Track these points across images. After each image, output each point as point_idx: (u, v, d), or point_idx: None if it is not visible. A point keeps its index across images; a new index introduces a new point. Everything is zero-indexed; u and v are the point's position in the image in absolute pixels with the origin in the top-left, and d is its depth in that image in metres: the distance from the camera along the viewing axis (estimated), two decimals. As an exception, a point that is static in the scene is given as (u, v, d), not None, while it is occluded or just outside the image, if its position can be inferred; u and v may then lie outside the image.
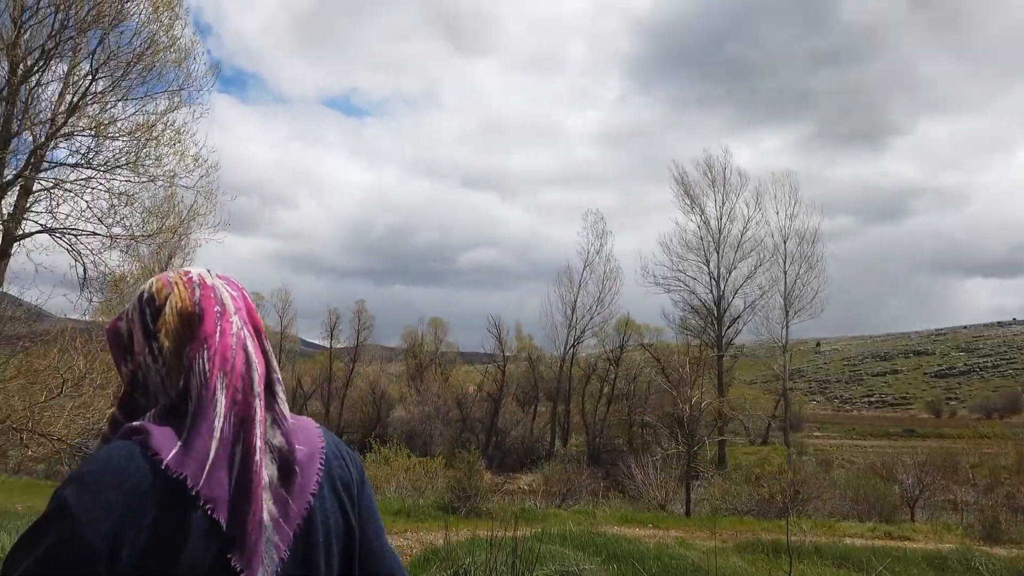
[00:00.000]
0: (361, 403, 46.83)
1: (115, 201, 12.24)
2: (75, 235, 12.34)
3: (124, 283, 12.97)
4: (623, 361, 44.82)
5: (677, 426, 23.64)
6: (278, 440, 1.11)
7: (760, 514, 19.01)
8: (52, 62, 11.13)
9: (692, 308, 42.24)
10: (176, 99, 11.88)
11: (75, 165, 11.63)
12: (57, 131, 11.48)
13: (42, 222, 12.26)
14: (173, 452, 1.02)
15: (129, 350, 1.15)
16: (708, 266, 41.81)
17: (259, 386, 1.11)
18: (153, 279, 1.18)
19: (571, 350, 44.74)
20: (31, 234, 12.11)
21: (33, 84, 11.32)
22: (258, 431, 1.08)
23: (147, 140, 11.49)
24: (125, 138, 11.66)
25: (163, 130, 11.56)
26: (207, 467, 1.02)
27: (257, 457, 1.06)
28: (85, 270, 12.31)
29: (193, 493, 1.00)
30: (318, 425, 1.23)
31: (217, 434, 1.05)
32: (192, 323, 1.12)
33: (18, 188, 11.74)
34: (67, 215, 12.26)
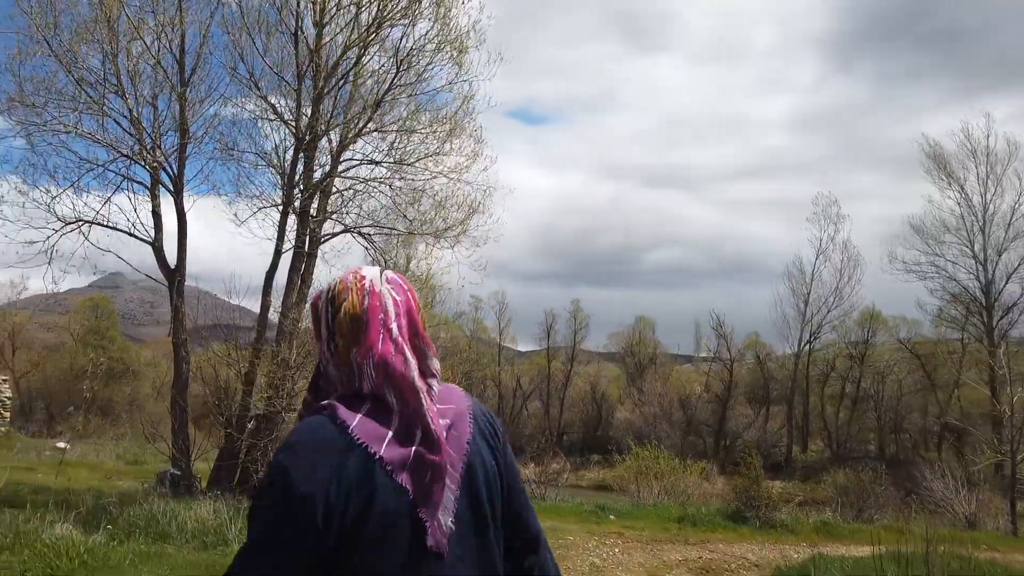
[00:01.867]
0: (580, 404, 46.31)
1: (407, 198, 12.15)
2: (372, 233, 12.41)
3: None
4: (868, 358, 40.46)
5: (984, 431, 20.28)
6: (443, 420, 1.36)
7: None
8: (359, 62, 11.16)
9: (953, 296, 37.06)
10: (466, 90, 11.55)
11: (377, 162, 11.65)
12: (360, 131, 11.53)
13: (342, 221, 12.46)
14: (355, 423, 1.29)
15: (317, 332, 1.43)
16: (972, 248, 36.43)
17: (419, 382, 1.35)
18: (337, 280, 1.45)
19: (806, 347, 41.13)
20: (336, 234, 12.33)
21: (339, 86, 11.45)
22: (429, 415, 1.33)
23: (448, 133, 11.24)
24: (422, 132, 11.49)
25: (460, 122, 11.28)
26: (386, 440, 1.29)
27: (437, 434, 1.32)
28: (384, 267, 12.31)
29: (377, 457, 1.27)
30: (462, 390, 1.49)
31: (394, 422, 1.31)
32: (359, 327, 1.36)
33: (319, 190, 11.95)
34: (367, 214, 12.36)
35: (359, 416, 1.29)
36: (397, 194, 11.82)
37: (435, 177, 12.12)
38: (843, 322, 40.91)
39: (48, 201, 10.90)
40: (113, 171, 11.33)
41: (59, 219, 11.21)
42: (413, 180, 12.12)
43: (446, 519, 1.30)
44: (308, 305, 1.84)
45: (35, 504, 10.25)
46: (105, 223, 11.31)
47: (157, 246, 11.13)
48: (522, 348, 54.82)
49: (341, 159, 11.74)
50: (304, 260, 11.82)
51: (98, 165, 11.23)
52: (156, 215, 11.30)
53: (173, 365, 11.18)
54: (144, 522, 8.20)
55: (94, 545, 6.70)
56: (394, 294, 1.40)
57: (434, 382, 1.40)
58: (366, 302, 1.37)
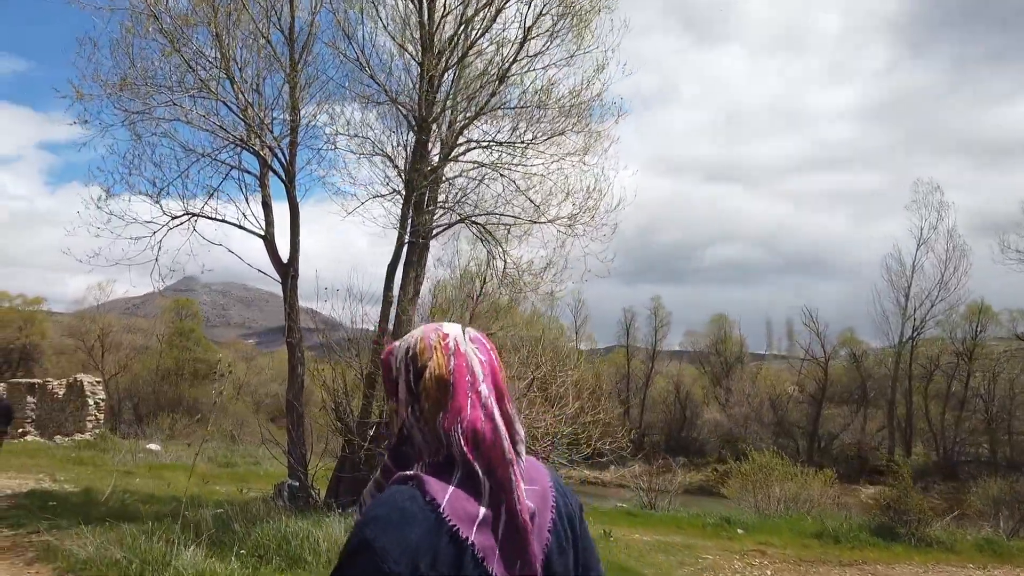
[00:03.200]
0: (662, 403, 44.70)
1: (526, 184, 11.09)
2: (486, 223, 11.40)
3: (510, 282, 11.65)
4: (977, 355, 37.67)
5: None
6: (530, 490, 1.28)
7: None
8: (477, 31, 10.15)
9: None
10: (599, 59, 10.36)
11: (499, 143, 10.61)
12: (480, 110, 10.52)
13: (455, 211, 11.49)
14: (445, 500, 1.20)
15: (393, 392, 1.33)
16: (1098, 235, 33.42)
17: (510, 453, 1.26)
18: (417, 338, 1.34)
19: (908, 343, 38.57)
20: (451, 224, 11.37)
21: (460, 61, 10.46)
22: (516, 494, 1.24)
23: (579, 107, 10.13)
24: (550, 108, 10.40)
25: (596, 94, 10.14)
26: (476, 523, 1.20)
27: (523, 517, 1.23)
28: (506, 262, 11.31)
29: (468, 542, 1.18)
30: (544, 465, 1.39)
31: (484, 498, 1.22)
32: (446, 391, 1.27)
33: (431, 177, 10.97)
34: (474, 203, 11.39)
35: (450, 491, 1.22)
36: (517, 179, 10.78)
37: (558, 160, 11.02)
38: (948, 317, 38.28)
39: (155, 193, 10.25)
40: (221, 161, 10.62)
41: (165, 213, 10.58)
42: (531, 165, 11.06)
43: None
44: (381, 360, 1.40)
45: (148, 517, 9.60)
46: (213, 216, 10.60)
47: (269, 239, 10.36)
48: (586, 346, 53.27)
49: (457, 143, 10.76)
50: (418, 252, 10.90)
51: (204, 156, 10.53)
52: (266, 206, 10.54)
53: (288, 368, 10.40)
54: (276, 544, 7.34)
55: (237, 578, 5.83)
56: (479, 354, 1.33)
57: (522, 449, 1.32)
58: (452, 363, 1.29)
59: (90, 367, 37.00)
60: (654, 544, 12.60)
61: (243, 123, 10.17)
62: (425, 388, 1.27)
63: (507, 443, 1.25)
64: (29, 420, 27.06)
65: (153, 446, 25.52)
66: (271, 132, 10.06)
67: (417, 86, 10.00)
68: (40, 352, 44.64)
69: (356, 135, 10.88)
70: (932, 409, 38.89)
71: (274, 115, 10.40)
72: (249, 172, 10.69)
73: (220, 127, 9.67)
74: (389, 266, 10.24)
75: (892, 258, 39.37)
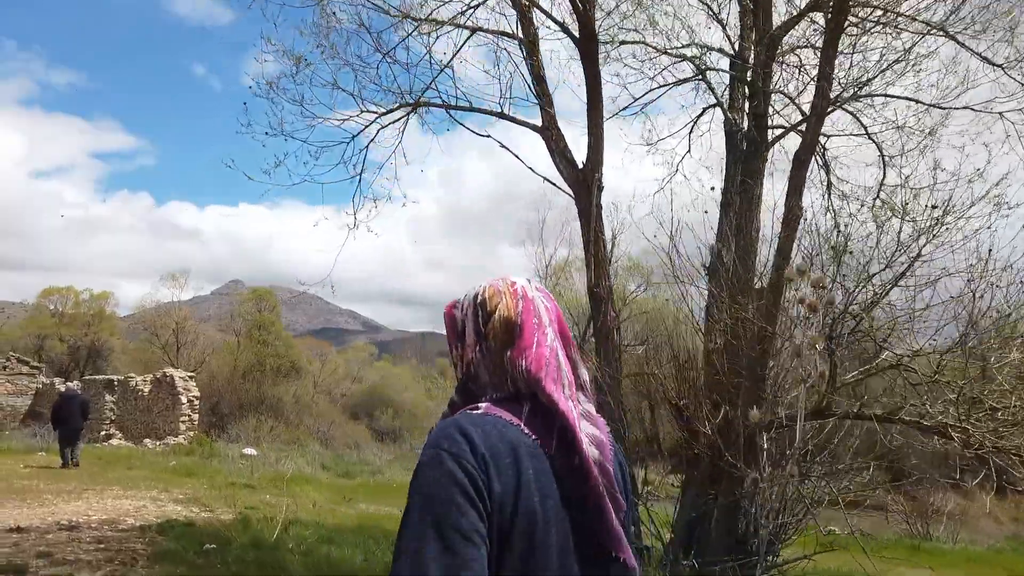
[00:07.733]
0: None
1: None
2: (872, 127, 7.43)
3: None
4: None
5: None
6: (591, 431, 1.29)
7: None
8: None
9: None
10: None
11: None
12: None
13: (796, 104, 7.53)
14: (523, 420, 1.23)
15: (460, 338, 1.36)
16: None
17: (568, 389, 1.30)
18: (485, 285, 1.38)
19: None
20: (823, 114, 7.39)
21: None
22: (575, 427, 1.25)
23: None
24: None
25: None
26: (554, 438, 1.23)
27: (583, 448, 1.24)
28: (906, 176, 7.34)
29: (548, 454, 1.22)
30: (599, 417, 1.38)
31: (561, 414, 1.24)
32: (513, 332, 1.31)
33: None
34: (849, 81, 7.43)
35: (523, 415, 1.25)
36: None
37: None
38: None
39: (374, 66, 6.57)
40: (457, 24, 6.87)
41: (367, 110, 6.90)
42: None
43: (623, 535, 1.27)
44: (444, 316, 1.39)
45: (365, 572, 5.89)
46: (452, 104, 6.85)
47: (551, 131, 6.52)
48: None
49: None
50: (751, 171, 6.97)
51: (427, 20, 6.77)
52: (539, 81, 6.73)
53: (594, 333, 6.55)
54: None
55: None
56: (545, 301, 1.38)
57: (586, 394, 1.35)
58: (520, 306, 1.34)
59: (164, 364, 34.02)
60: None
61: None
62: (493, 328, 1.31)
63: (567, 381, 1.29)
64: (109, 421, 23.98)
65: (249, 450, 22.17)
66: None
67: None
68: (109, 350, 42.07)
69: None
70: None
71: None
72: (505, 34, 6.88)
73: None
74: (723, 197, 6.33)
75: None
